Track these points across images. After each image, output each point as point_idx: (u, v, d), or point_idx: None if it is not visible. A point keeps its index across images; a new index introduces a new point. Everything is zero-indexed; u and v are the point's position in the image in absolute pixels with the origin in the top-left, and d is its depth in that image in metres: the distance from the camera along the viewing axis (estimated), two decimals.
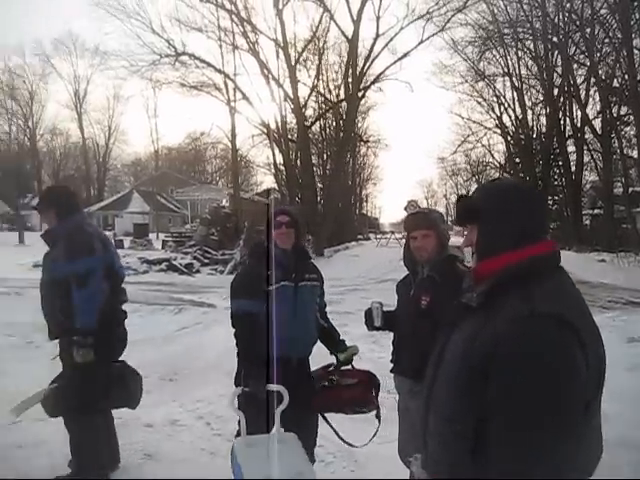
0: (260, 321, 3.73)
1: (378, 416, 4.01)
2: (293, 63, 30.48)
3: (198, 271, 23.91)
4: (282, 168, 32.14)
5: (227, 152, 44.86)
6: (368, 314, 3.86)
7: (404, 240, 3.96)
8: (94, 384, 4.41)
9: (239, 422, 3.54)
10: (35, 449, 4.83)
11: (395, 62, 31.43)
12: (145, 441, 5.31)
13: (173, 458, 4.96)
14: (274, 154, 32.38)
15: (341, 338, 4.24)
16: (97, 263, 4.40)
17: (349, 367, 4.09)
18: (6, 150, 48.95)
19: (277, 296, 3.74)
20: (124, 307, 4.77)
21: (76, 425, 4.41)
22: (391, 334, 3.89)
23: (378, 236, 42.24)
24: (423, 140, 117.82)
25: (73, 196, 4.89)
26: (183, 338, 10.29)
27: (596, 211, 33.70)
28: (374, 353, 7.48)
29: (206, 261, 24.95)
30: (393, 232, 39.44)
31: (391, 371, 3.82)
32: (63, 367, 4.46)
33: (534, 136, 35.72)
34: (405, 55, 31.19)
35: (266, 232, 3.97)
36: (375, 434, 3.93)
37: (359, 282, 19.52)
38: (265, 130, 31.88)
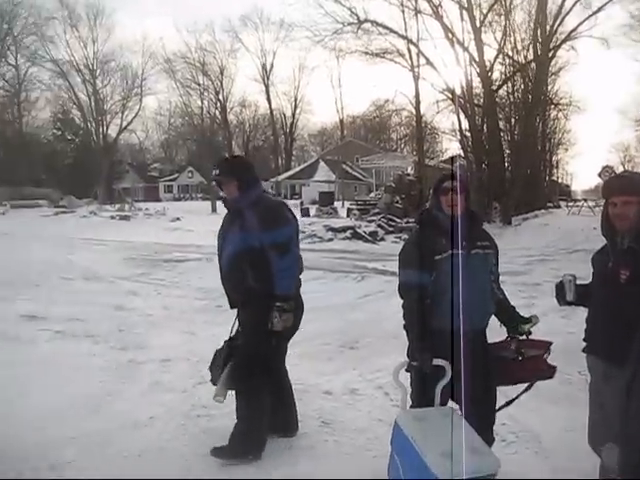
0: (428, 292, 3.59)
1: (531, 385, 3.85)
2: (478, 25, 29.21)
3: (382, 239, 23.92)
4: (468, 134, 31.12)
5: (411, 119, 44.52)
6: (559, 287, 3.60)
7: (598, 208, 3.63)
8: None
9: (410, 395, 3.49)
10: (217, 410, 4.97)
11: (589, 17, 28.77)
12: (323, 408, 5.37)
13: (350, 427, 4.97)
14: (459, 120, 31.33)
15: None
16: (293, 230, 4.51)
17: (524, 338, 3.85)
18: (199, 124, 52.17)
19: (448, 266, 3.56)
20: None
21: (245, 392, 4.41)
22: (582, 309, 3.60)
23: (569, 204, 40.11)
24: (619, 101, 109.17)
25: (252, 166, 4.97)
26: (365, 306, 10.39)
27: None
28: (564, 327, 7.07)
29: (390, 229, 24.93)
30: (585, 200, 37.32)
31: (583, 350, 3.52)
32: (245, 334, 4.47)
33: None
34: (600, 9, 28.40)
35: (437, 199, 3.78)
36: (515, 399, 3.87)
37: (548, 252, 18.67)
38: (450, 95, 31.12)
